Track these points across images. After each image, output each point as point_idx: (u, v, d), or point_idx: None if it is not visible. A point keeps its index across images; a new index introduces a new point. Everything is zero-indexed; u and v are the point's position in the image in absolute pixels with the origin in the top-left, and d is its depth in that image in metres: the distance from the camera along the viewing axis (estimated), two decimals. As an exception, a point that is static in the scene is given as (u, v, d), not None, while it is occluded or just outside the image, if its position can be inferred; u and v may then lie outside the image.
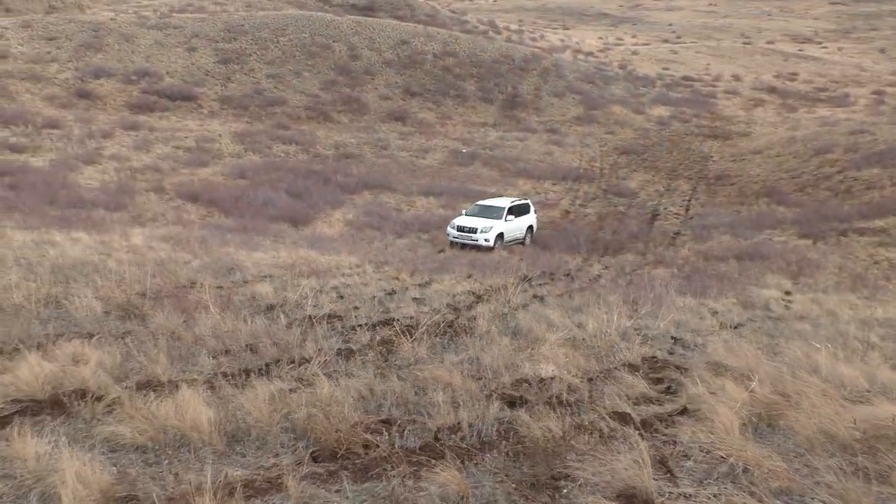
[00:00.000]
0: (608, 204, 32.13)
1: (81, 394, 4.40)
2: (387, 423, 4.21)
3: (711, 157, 41.06)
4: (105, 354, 5.41)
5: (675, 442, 3.96)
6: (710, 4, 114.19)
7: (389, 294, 10.54)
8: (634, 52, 76.81)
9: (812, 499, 3.26)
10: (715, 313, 10.74)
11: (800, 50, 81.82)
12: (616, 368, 5.85)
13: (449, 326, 7.60)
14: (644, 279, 15.61)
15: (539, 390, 4.91)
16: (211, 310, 7.49)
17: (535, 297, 11.31)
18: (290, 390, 4.64)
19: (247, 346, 6.29)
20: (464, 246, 22.01)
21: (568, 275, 16.78)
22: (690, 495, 3.22)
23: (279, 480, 3.35)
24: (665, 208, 31.69)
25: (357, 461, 3.62)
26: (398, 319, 8.02)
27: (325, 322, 7.52)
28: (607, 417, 4.19)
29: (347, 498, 3.23)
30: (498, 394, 4.84)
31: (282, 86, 46.82)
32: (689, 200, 33.05)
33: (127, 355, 5.65)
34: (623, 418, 4.27)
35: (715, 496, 3.18)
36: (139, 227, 18.64)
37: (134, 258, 12.20)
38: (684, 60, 72.76)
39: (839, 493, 3.21)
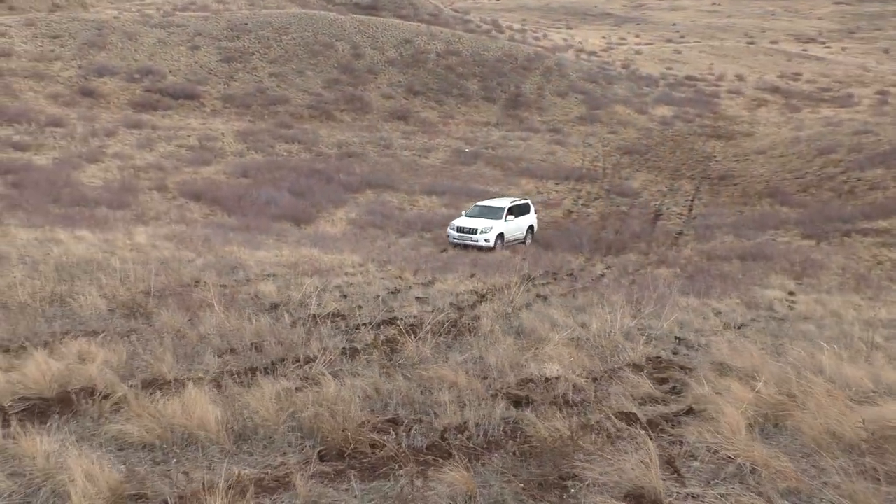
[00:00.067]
0: (611, 204, 32.11)
1: (88, 392, 4.41)
2: (393, 422, 4.22)
3: (714, 157, 41.02)
4: (111, 353, 5.42)
5: (682, 442, 3.96)
6: (714, 4, 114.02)
7: (393, 293, 10.55)
8: (638, 52, 76.75)
9: (820, 499, 3.26)
10: (718, 313, 10.73)
11: (803, 50, 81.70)
12: (621, 368, 5.85)
13: (453, 326, 7.60)
14: (647, 279, 15.60)
15: (545, 390, 4.91)
16: (215, 308, 7.50)
17: (538, 296, 11.31)
18: (297, 389, 4.65)
19: (252, 344, 6.31)
20: (465, 247, 21.98)
21: (571, 274, 16.80)
22: (698, 495, 3.23)
23: (287, 479, 3.36)
24: (668, 208, 31.67)
25: (364, 460, 3.63)
26: (402, 319, 8.03)
27: (328, 321, 7.52)
28: (613, 417, 4.20)
29: (356, 497, 3.23)
30: (503, 393, 4.85)
31: (284, 84, 46.85)
32: (692, 200, 33.03)
33: (133, 354, 5.67)
34: (629, 418, 4.27)
35: (723, 496, 3.18)
36: (142, 226, 18.66)
37: (137, 257, 12.22)
38: (687, 60, 72.68)
39: (848, 494, 3.21)
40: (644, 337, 7.50)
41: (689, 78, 63.46)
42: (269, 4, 65.69)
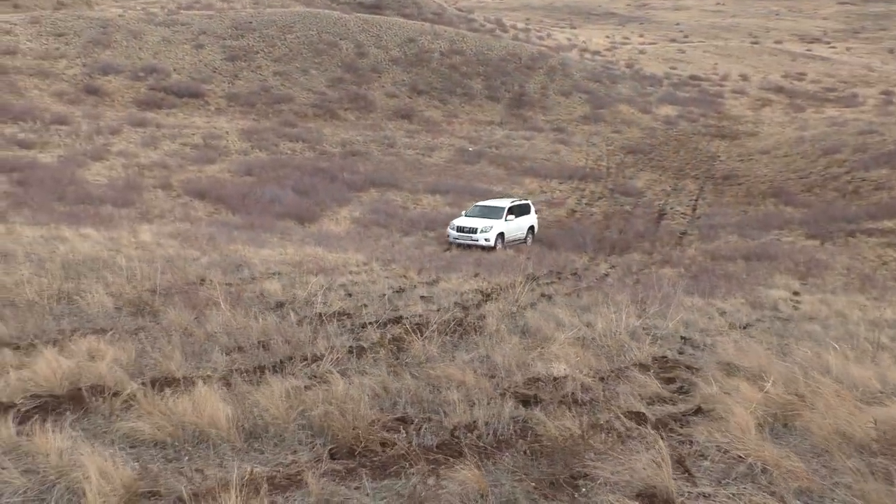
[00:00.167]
0: (615, 203, 32.10)
1: (99, 389, 4.43)
2: (403, 420, 4.24)
3: (719, 156, 40.97)
4: (120, 350, 5.44)
5: (692, 442, 3.97)
6: (718, 4, 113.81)
7: (397, 292, 10.57)
8: (641, 52, 76.66)
9: (832, 499, 3.27)
10: (723, 313, 10.73)
11: (808, 50, 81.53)
12: (627, 368, 5.85)
13: (458, 325, 7.61)
14: (651, 279, 15.61)
15: (555, 389, 4.92)
16: (221, 307, 7.52)
17: (542, 295, 11.32)
18: (306, 387, 4.67)
19: (259, 343, 6.33)
20: (466, 246, 21.87)
21: (575, 274, 16.80)
22: (710, 495, 3.23)
23: (299, 477, 3.38)
24: (672, 208, 31.65)
25: (375, 458, 3.65)
26: (407, 317, 8.04)
27: (334, 320, 7.54)
28: (622, 417, 4.21)
29: (368, 495, 3.25)
30: (511, 392, 4.86)
31: (289, 83, 46.89)
32: (695, 200, 33.00)
33: (141, 351, 5.70)
34: (638, 418, 4.29)
35: (734, 496, 3.19)
36: (147, 224, 18.71)
37: (143, 255, 12.25)
38: (692, 60, 72.57)
39: (860, 494, 3.22)
40: (650, 336, 7.50)
41: (693, 77, 63.37)
42: (274, 3, 65.75)
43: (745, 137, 44.95)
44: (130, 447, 3.77)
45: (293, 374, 5.12)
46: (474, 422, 4.15)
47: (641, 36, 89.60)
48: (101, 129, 33.50)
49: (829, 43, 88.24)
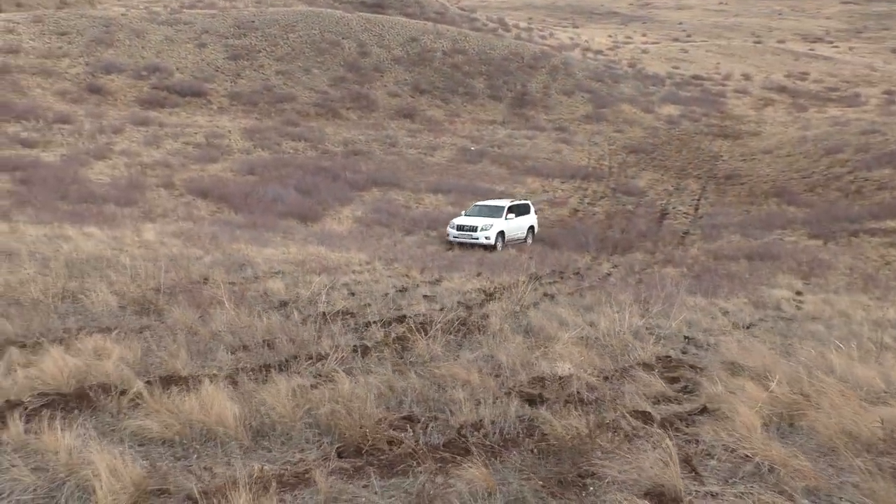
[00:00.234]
0: (617, 203, 32.09)
1: (105, 388, 4.45)
2: (409, 419, 4.25)
3: (721, 156, 40.96)
4: (126, 349, 5.46)
5: (698, 441, 3.98)
6: (721, 3, 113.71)
7: (400, 291, 10.59)
8: (644, 51, 76.63)
9: (840, 498, 3.28)
10: (726, 313, 10.73)
11: (811, 49, 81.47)
12: (632, 367, 5.87)
13: (462, 324, 7.62)
14: (654, 278, 15.59)
15: (560, 388, 4.93)
16: (226, 305, 7.54)
17: (545, 295, 11.33)
18: (312, 386, 4.68)
19: (264, 341, 6.34)
20: (465, 245, 21.71)
21: (577, 273, 16.81)
22: (717, 494, 3.24)
23: (307, 475, 3.39)
24: (674, 207, 31.64)
25: (382, 457, 3.66)
26: (410, 317, 8.06)
27: (338, 319, 7.56)
28: (628, 416, 4.22)
29: (376, 493, 3.26)
30: (516, 391, 4.88)
31: (291, 82, 46.93)
32: (698, 200, 32.99)
33: (147, 350, 5.72)
34: (644, 417, 4.30)
35: (742, 495, 3.20)
36: (150, 223, 18.74)
37: (146, 253, 12.29)
38: (694, 59, 72.52)
39: (868, 493, 3.23)
40: (653, 336, 7.51)
41: (695, 77, 63.35)
42: (276, 2, 65.80)
43: (748, 137, 44.93)
44: (139, 445, 3.78)
45: (298, 373, 5.13)
46: (480, 420, 4.17)
47: (644, 35, 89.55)
48: (104, 128, 33.55)
49: (831, 42, 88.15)
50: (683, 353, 7.13)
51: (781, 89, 59.37)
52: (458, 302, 9.76)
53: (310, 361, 5.55)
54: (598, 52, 74.50)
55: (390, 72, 50.47)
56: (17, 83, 38.62)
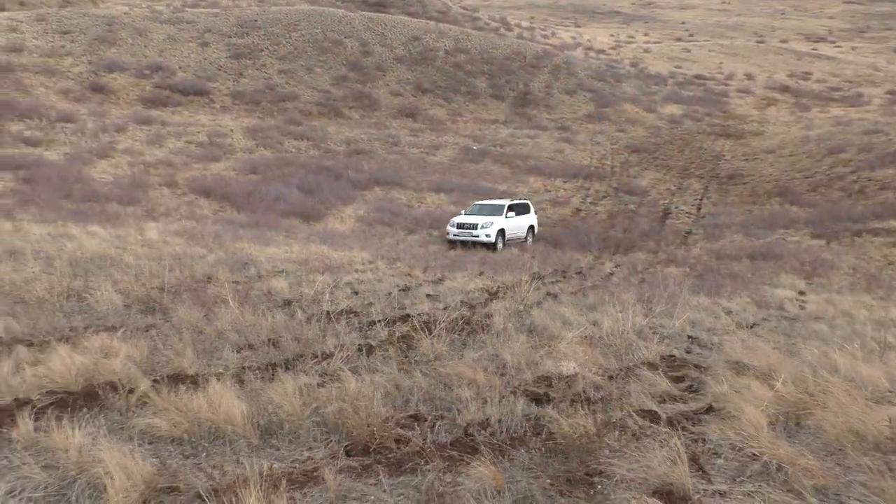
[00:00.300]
0: (619, 202, 32.08)
1: (113, 386, 4.47)
2: (415, 418, 4.27)
3: (723, 156, 40.93)
4: (132, 347, 5.49)
5: (704, 440, 3.99)
6: (724, 3, 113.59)
7: (403, 290, 10.60)
8: (646, 50, 76.57)
9: (849, 497, 3.29)
10: (729, 312, 10.74)
11: (813, 49, 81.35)
12: (636, 367, 5.88)
13: (466, 323, 7.64)
14: (656, 278, 15.60)
15: (567, 386, 4.95)
16: (230, 304, 7.57)
17: (548, 294, 11.35)
18: (319, 385, 4.70)
19: (268, 340, 6.37)
20: (465, 244, 21.46)
21: (580, 273, 16.81)
22: (725, 493, 3.25)
23: (315, 473, 3.40)
24: (676, 207, 31.62)
25: (390, 455, 3.68)
26: (414, 316, 8.07)
27: (342, 318, 7.58)
28: (634, 415, 4.23)
29: (385, 491, 3.28)
30: (521, 390, 4.89)
31: (293, 81, 46.95)
32: (700, 199, 32.97)
33: (153, 348, 5.74)
34: (650, 416, 4.31)
35: (751, 494, 3.21)
36: (153, 222, 18.77)
37: (150, 252, 12.32)
38: (697, 59, 72.46)
39: (877, 491, 3.24)
40: (657, 336, 7.52)
41: (698, 77, 63.31)
42: (279, 1, 65.82)
43: (750, 137, 44.89)
44: (148, 443, 3.80)
45: (304, 372, 5.15)
46: (487, 419, 4.18)
47: (646, 35, 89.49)
48: (107, 127, 33.59)
49: (834, 42, 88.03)
50: (687, 352, 7.14)
51: (784, 89, 59.32)
52: (462, 301, 9.78)
53: (315, 360, 5.57)
54: (601, 51, 74.47)
55: (392, 71, 50.49)
56: (20, 82, 38.68)
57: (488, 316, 8.24)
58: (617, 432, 3.94)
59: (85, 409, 4.17)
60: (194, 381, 4.69)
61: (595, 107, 49.62)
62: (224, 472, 3.39)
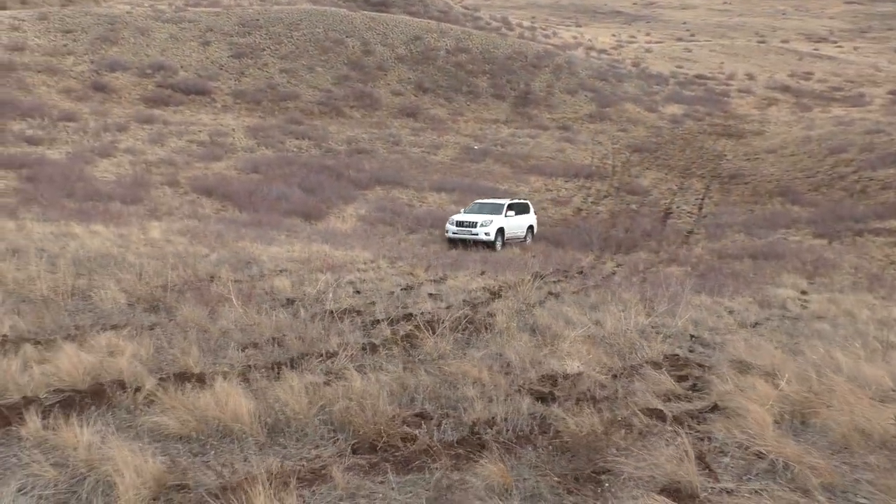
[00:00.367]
0: (621, 202, 32.08)
1: (120, 384, 4.49)
2: (421, 416, 4.28)
3: (725, 155, 40.92)
4: (138, 346, 5.51)
5: (710, 438, 4.00)
6: (725, 3, 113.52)
7: (405, 289, 10.61)
8: (648, 50, 76.56)
9: (856, 494, 3.30)
10: (731, 312, 10.75)
11: (815, 49, 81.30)
12: (640, 366, 5.89)
13: (469, 322, 7.65)
14: (658, 277, 15.61)
15: (572, 385, 4.97)
16: (234, 303, 7.59)
17: (550, 294, 11.36)
18: (325, 383, 4.72)
19: (272, 339, 6.38)
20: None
21: (581, 272, 16.81)
22: (732, 490, 3.27)
23: (324, 471, 3.42)
24: (678, 207, 31.62)
25: (397, 453, 3.69)
26: (417, 315, 8.09)
27: (345, 317, 7.60)
28: (640, 413, 4.25)
29: (393, 489, 3.29)
30: (526, 389, 4.91)
31: (295, 80, 46.96)
32: (702, 199, 32.97)
33: (158, 347, 5.76)
34: (655, 415, 4.32)
35: (758, 492, 3.22)
36: (155, 221, 18.78)
37: (152, 251, 12.35)
38: (698, 59, 72.44)
39: (884, 489, 3.25)
40: (659, 335, 7.54)
41: (699, 76, 63.28)
42: (281, 0, 65.82)
43: (752, 136, 44.88)
44: (155, 441, 3.82)
45: (310, 371, 5.17)
46: (493, 418, 4.20)
47: (648, 35, 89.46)
48: (109, 126, 33.62)
49: (835, 42, 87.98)
50: (690, 351, 7.16)
51: (785, 89, 59.29)
52: (464, 300, 9.79)
53: (320, 359, 5.58)
54: (602, 51, 74.46)
55: (394, 70, 50.49)
56: (22, 81, 38.70)
57: (491, 315, 8.25)
58: (623, 431, 3.96)
59: (93, 407, 4.19)
60: (200, 380, 4.71)
61: (596, 106, 49.61)
62: (234, 469, 3.41)
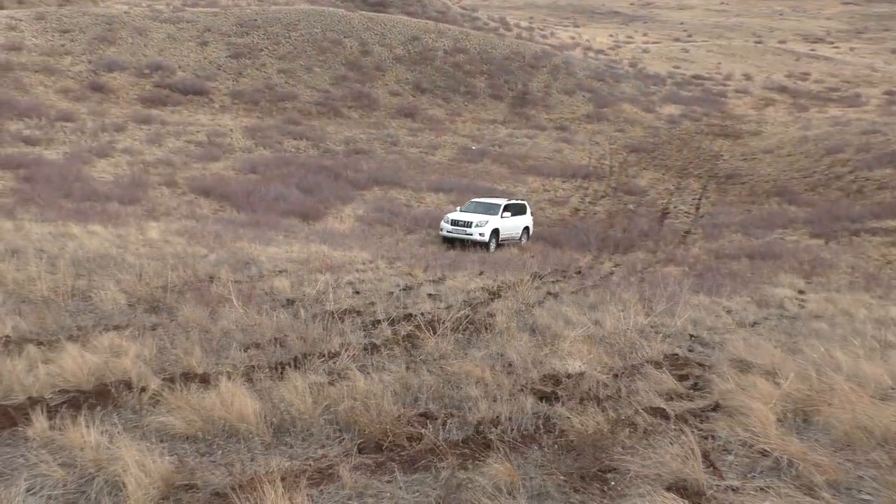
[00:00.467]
0: (618, 202, 32.14)
1: (125, 385, 4.50)
2: (426, 416, 4.30)
3: (722, 155, 41.02)
4: (141, 346, 5.51)
5: (713, 437, 4.03)
6: (722, 3, 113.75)
7: (405, 290, 10.63)
8: (645, 51, 76.68)
9: (860, 491, 3.34)
10: (730, 311, 10.80)
11: (812, 50, 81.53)
12: (641, 365, 5.93)
13: (469, 323, 7.68)
14: (656, 277, 15.64)
15: (575, 384, 4.99)
16: (234, 304, 7.60)
17: (549, 294, 11.39)
18: (329, 383, 4.74)
19: (274, 339, 6.40)
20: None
21: (579, 272, 16.85)
22: (738, 488, 3.30)
23: (330, 471, 3.44)
24: (675, 207, 31.69)
25: (403, 453, 3.71)
26: (417, 315, 8.11)
27: (345, 317, 7.62)
28: (644, 412, 4.27)
29: (401, 488, 3.31)
30: (529, 389, 4.93)
31: (293, 81, 46.94)
32: (699, 199, 33.05)
33: (161, 347, 5.77)
34: (659, 413, 4.35)
35: (763, 489, 3.25)
36: (154, 221, 18.75)
37: (151, 252, 12.33)
38: (695, 59, 72.58)
39: (888, 485, 3.28)
40: (659, 335, 7.57)
41: (696, 77, 63.41)
42: (278, 0, 65.78)
43: (749, 137, 44.99)
44: (162, 441, 3.83)
45: (313, 371, 5.18)
46: (497, 417, 4.22)
47: (645, 35, 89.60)
48: (107, 127, 33.57)
49: (832, 43, 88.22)
50: (690, 350, 7.19)
51: (782, 89, 59.44)
52: (463, 300, 9.81)
53: (322, 359, 5.60)
54: (600, 51, 74.57)
55: (392, 71, 50.49)
56: (19, 81, 38.62)
57: (491, 315, 8.28)
58: (627, 429, 3.98)
59: (98, 408, 4.19)
60: (204, 380, 4.72)
61: (594, 107, 49.68)
62: (243, 469, 3.43)
